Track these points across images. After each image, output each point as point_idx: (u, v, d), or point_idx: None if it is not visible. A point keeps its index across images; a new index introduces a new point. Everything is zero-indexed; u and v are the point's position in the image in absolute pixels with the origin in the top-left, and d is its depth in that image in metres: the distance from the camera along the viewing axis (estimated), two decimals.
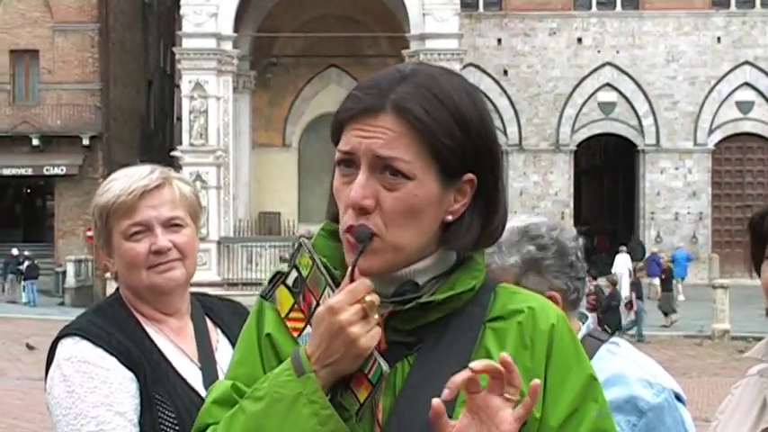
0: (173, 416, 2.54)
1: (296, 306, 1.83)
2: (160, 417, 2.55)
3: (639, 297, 28.58)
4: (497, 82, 45.94)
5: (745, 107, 45.86)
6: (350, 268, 1.74)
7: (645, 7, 46.09)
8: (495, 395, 1.65)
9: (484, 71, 45.49)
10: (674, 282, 33.06)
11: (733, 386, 2.63)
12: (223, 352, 2.72)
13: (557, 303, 2.62)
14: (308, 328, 1.79)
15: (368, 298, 1.70)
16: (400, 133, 1.72)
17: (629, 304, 28.78)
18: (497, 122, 43.87)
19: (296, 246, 1.82)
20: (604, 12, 46.34)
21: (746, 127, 45.82)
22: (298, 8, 43.08)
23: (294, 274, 1.81)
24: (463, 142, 1.75)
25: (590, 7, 46.32)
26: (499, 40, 46.35)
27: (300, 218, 46.08)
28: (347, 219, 1.76)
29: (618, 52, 45.77)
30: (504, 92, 45.88)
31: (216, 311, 2.87)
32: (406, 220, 1.74)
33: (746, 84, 45.75)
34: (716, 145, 45.00)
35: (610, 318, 25.94)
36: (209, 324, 2.82)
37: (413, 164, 1.72)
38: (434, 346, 1.77)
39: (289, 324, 1.83)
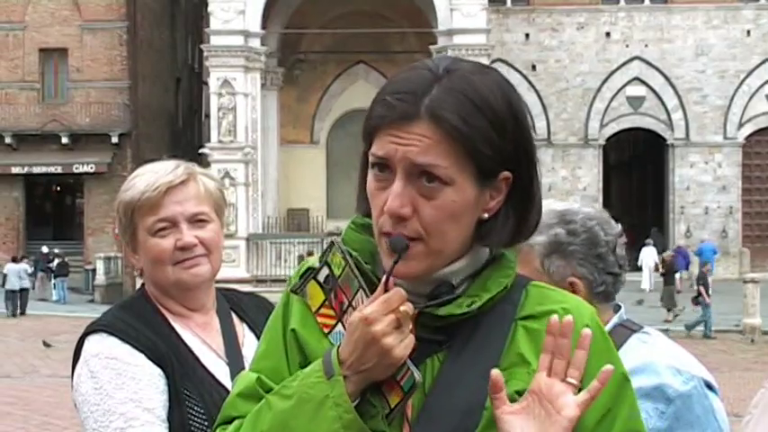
0: (202, 411, 2.55)
1: (327, 303, 1.82)
2: (189, 412, 2.55)
3: (707, 291, 27.81)
4: (525, 77, 45.86)
5: None
6: (385, 277, 1.73)
7: (673, 1, 45.96)
8: (557, 379, 1.66)
9: (512, 66, 45.47)
10: (676, 276, 33.15)
11: (766, 380, 2.60)
12: (249, 347, 2.72)
13: (578, 290, 2.65)
14: (339, 327, 1.80)
15: (402, 308, 1.69)
16: (437, 141, 1.70)
17: (696, 299, 28.20)
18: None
19: (328, 243, 1.82)
20: (633, 5, 46.24)
21: None
22: (325, 4, 43.29)
23: (325, 270, 1.81)
24: (500, 146, 1.73)
25: (618, 1, 46.28)
26: (527, 35, 46.33)
27: (329, 214, 46.27)
28: (383, 223, 1.75)
29: (646, 46, 45.59)
30: (533, 87, 45.80)
31: (242, 306, 2.87)
32: (445, 226, 1.73)
33: None
34: (746, 139, 44.87)
35: None
36: (235, 319, 2.82)
37: (450, 169, 1.70)
38: (465, 344, 1.76)
39: (319, 320, 1.83)
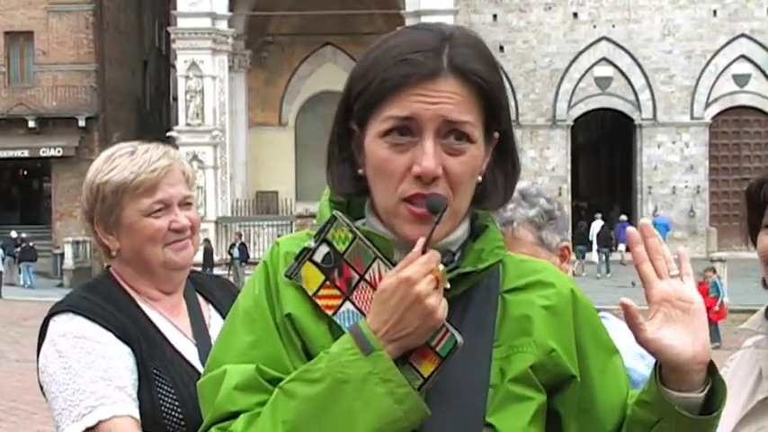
0: (172, 391, 2.54)
1: (327, 283, 1.73)
2: (159, 392, 2.54)
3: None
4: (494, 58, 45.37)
5: (741, 80, 46.02)
6: (424, 239, 1.66)
7: None
8: (667, 277, 1.68)
9: None
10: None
11: (728, 358, 2.64)
12: (216, 328, 2.71)
13: (568, 254, 2.75)
14: (347, 305, 1.72)
15: (440, 268, 1.65)
16: (465, 96, 1.68)
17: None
18: None
19: (328, 219, 1.74)
20: None
21: (743, 100, 46.08)
22: None
23: (324, 249, 1.73)
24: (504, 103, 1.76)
25: None
26: (495, 16, 46.49)
27: (298, 196, 46.33)
28: (407, 188, 1.68)
29: (614, 27, 45.85)
30: (501, 67, 45.00)
31: (206, 287, 2.88)
32: (467, 185, 1.71)
33: (743, 57, 45.92)
34: (713, 118, 45.31)
35: None
36: (201, 300, 2.83)
37: (476, 126, 1.69)
38: (461, 321, 1.73)
39: (320, 302, 1.73)
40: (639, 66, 45.11)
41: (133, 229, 2.68)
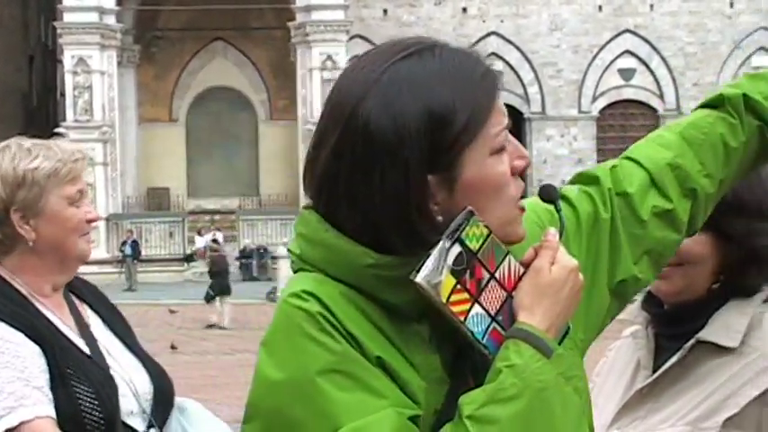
0: (90, 390, 2.53)
1: (458, 287, 1.60)
2: (76, 391, 2.52)
3: None
4: None
5: (626, 74, 47.75)
6: (558, 232, 1.68)
7: None
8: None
9: (370, 42, 45.96)
10: None
11: (607, 348, 2.75)
12: (95, 328, 2.72)
13: None
14: (476, 308, 1.62)
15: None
16: None
17: None
18: None
19: (465, 215, 1.61)
20: None
21: (629, 94, 47.79)
22: None
23: (456, 249, 1.60)
24: None
25: None
26: (385, 11, 47.33)
27: (190, 193, 46.62)
28: (515, 190, 1.69)
29: (502, 21, 46.98)
30: None
31: (77, 286, 2.86)
32: None
33: (628, 51, 47.61)
34: (600, 112, 46.87)
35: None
36: (76, 300, 2.82)
37: None
38: None
39: (453, 308, 1.60)
40: (528, 60, 46.41)
41: (58, 218, 2.67)
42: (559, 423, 1.56)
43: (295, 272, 1.70)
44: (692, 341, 2.47)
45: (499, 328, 1.61)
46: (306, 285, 1.62)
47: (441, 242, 1.57)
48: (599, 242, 1.83)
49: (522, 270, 1.64)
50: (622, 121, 47.15)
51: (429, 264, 1.56)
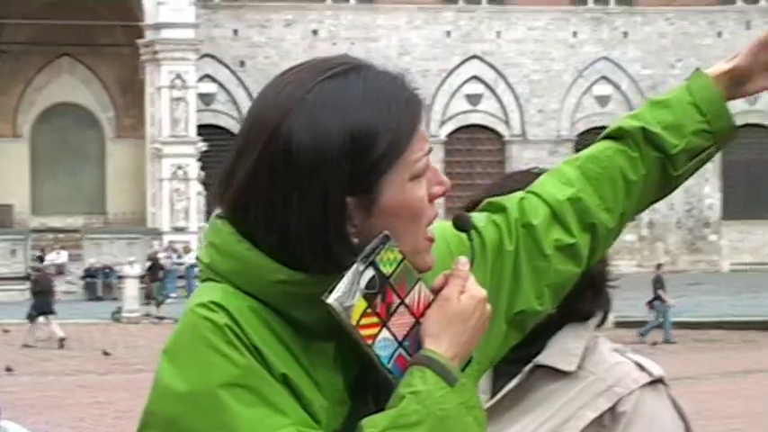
0: None
1: (368, 310, 1.61)
2: None
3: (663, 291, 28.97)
4: (234, 73, 47.99)
5: (474, 99, 49.40)
6: (469, 261, 1.69)
7: (378, 1, 48.75)
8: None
9: (220, 62, 47.37)
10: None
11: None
12: None
13: None
14: (384, 332, 1.63)
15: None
16: None
17: (651, 303, 29.11)
18: (236, 114, 47.88)
19: (380, 239, 1.62)
20: (339, 5, 49.03)
21: (476, 119, 49.41)
22: None
23: (369, 273, 1.61)
24: None
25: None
26: (235, 31, 48.19)
27: (33, 210, 46.31)
28: (432, 212, 1.71)
29: (353, 44, 47.99)
30: (242, 83, 47.89)
31: None
32: None
33: (475, 77, 49.32)
34: (447, 136, 48.19)
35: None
36: None
37: None
38: None
39: (362, 332, 1.61)
40: None
41: None
42: None
43: (202, 281, 1.68)
44: (530, 365, 2.52)
45: (405, 354, 1.62)
46: (214, 296, 1.60)
47: (355, 265, 1.58)
48: (501, 271, 1.85)
49: (431, 297, 1.65)
50: (469, 146, 48.53)
51: (342, 286, 1.57)
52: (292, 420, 1.53)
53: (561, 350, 2.52)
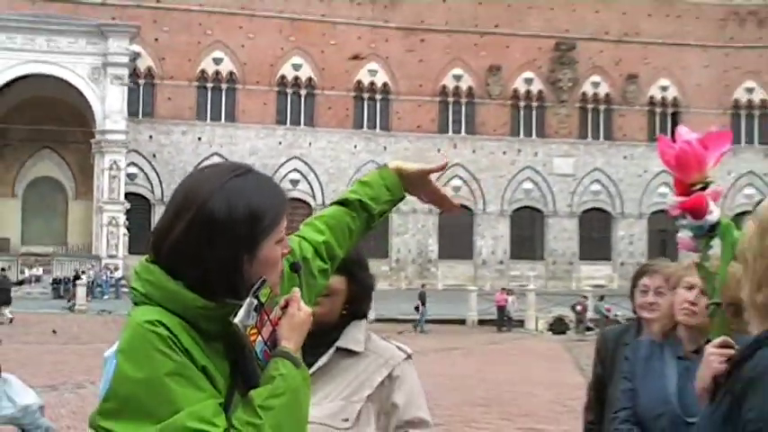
0: None
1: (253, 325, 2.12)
2: None
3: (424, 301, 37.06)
4: (149, 162, 55.89)
5: (294, 183, 57.56)
6: (299, 289, 2.27)
7: (238, 121, 57.83)
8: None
9: (140, 154, 55.17)
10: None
11: None
12: None
13: None
14: (259, 338, 2.16)
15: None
16: None
17: (417, 308, 37.38)
18: (149, 186, 55.70)
19: (260, 282, 2.12)
20: (215, 122, 57.69)
21: (296, 194, 56.34)
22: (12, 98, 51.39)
23: (255, 302, 2.12)
24: None
25: (206, 119, 57.63)
26: (151, 136, 55.99)
27: (23, 241, 55.28)
28: (282, 263, 2.25)
29: (221, 147, 56.44)
30: (153, 168, 55.71)
31: None
32: None
33: (295, 169, 58.07)
34: None
35: None
36: None
37: None
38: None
39: (250, 338, 2.14)
40: None
41: None
42: (304, 409, 2.13)
43: (137, 304, 2.12)
44: (333, 348, 3.12)
45: (268, 350, 2.15)
46: (156, 316, 2.07)
47: (248, 297, 2.09)
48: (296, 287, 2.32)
49: (281, 313, 2.19)
50: (292, 211, 42.54)
51: (242, 312, 2.10)
52: (210, 395, 2.04)
53: (352, 338, 3.15)
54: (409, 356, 3.26)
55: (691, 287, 3.97)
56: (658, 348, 4.12)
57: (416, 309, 40.25)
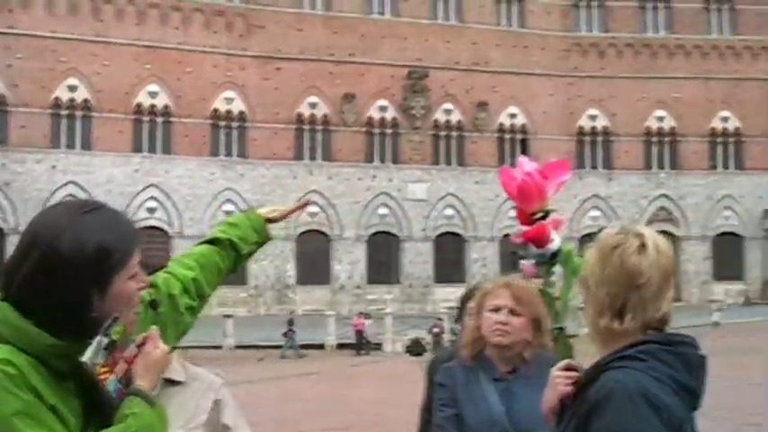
0: None
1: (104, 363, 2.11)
2: None
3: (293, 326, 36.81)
4: (1, 190, 53.42)
5: (152, 210, 56.32)
6: (157, 327, 2.28)
7: (94, 149, 55.53)
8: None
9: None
10: None
11: None
12: None
13: None
14: (112, 375, 2.19)
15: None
16: None
17: (286, 333, 37.55)
18: (1, 214, 53.81)
19: (113, 319, 2.11)
20: (70, 150, 55.58)
21: (152, 222, 55.86)
22: None
23: (106, 340, 2.10)
24: None
25: (60, 146, 55.31)
26: (3, 164, 53.45)
27: None
28: (138, 298, 2.25)
29: (77, 174, 54.34)
30: (7, 196, 53.30)
31: None
32: None
33: (152, 197, 56.44)
34: None
35: None
36: None
37: None
38: None
39: (101, 377, 2.17)
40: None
41: None
42: None
43: None
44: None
45: (123, 388, 2.15)
46: (4, 354, 2.04)
47: (99, 335, 2.08)
48: (159, 324, 2.40)
49: (137, 351, 2.18)
50: (148, 239, 49.47)
51: (90, 350, 2.08)
52: None
53: (173, 368, 3.08)
54: (224, 382, 3.35)
55: (497, 309, 4.01)
56: (472, 373, 4.11)
57: (284, 334, 41.30)
